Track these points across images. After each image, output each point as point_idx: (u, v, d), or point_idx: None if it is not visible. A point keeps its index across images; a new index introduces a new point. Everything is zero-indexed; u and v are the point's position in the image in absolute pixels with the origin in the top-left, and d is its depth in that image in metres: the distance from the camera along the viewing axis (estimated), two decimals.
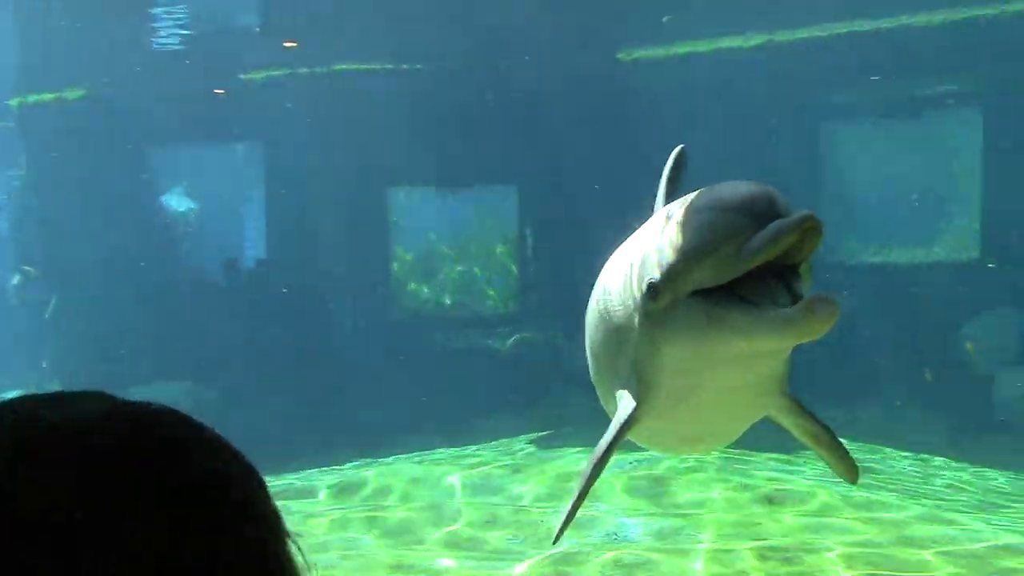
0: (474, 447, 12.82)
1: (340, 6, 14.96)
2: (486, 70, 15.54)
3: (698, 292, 2.63)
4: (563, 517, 3.29)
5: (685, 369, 2.85)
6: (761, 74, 14.79)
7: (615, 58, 16.01)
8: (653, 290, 2.73)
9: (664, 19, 13.79)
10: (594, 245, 4.30)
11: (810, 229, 2.42)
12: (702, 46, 15.26)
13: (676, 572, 6.44)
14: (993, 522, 8.47)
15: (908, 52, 13.96)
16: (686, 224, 2.65)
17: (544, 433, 13.14)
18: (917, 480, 10.95)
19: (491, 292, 18.05)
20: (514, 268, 17.76)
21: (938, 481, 11.15)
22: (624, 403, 3.08)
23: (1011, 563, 6.73)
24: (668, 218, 2.77)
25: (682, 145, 3.65)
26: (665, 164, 3.58)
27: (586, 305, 3.54)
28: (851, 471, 3.45)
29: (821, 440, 3.33)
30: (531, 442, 12.85)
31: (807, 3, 13.89)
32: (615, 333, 3.09)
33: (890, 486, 10.05)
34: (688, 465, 9.45)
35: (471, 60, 15.53)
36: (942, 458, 12.15)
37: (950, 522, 8.11)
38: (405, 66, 15.88)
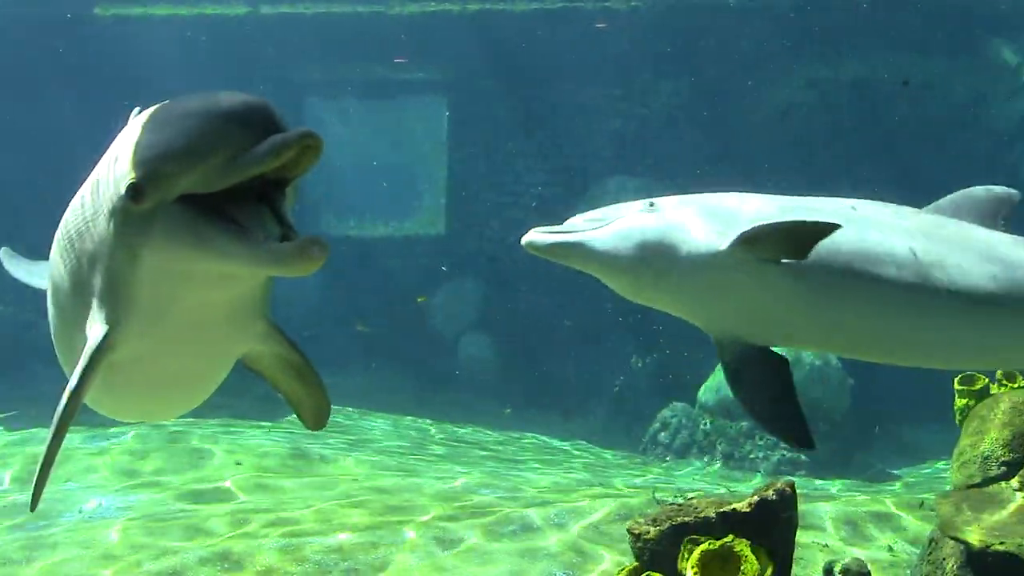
0: None
1: None
2: None
3: (184, 199, 2.51)
4: (36, 478, 3.01)
5: (164, 279, 2.69)
6: (244, 43, 14.85)
7: (92, 11, 15.14)
8: (135, 191, 2.54)
9: None
10: (47, 209, 4.06)
11: (310, 147, 2.43)
12: (184, 9, 14.98)
13: (152, 544, 6.42)
14: (466, 467, 9.48)
15: (384, 38, 14.83)
16: (179, 126, 2.51)
17: (10, 413, 12.16)
18: (387, 435, 11.83)
19: None
20: None
21: (410, 434, 12.14)
22: (95, 329, 2.86)
23: (472, 500, 7.59)
24: (153, 120, 2.62)
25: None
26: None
27: None
28: (322, 410, 3.48)
29: (301, 372, 3.32)
30: None
31: None
32: (86, 252, 2.85)
33: (364, 444, 10.79)
34: (166, 435, 9.42)
35: None
36: (410, 416, 13.23)
37: (417, 473, 8.95)
38: None
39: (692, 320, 4.48)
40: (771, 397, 4.36)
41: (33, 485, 3.06)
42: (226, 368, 3.33)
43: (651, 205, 4.43)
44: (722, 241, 4.18)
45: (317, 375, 3.39)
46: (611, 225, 4.39)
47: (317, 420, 3.54)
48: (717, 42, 14.21)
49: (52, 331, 3.38)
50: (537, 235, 4.38)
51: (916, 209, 4.56)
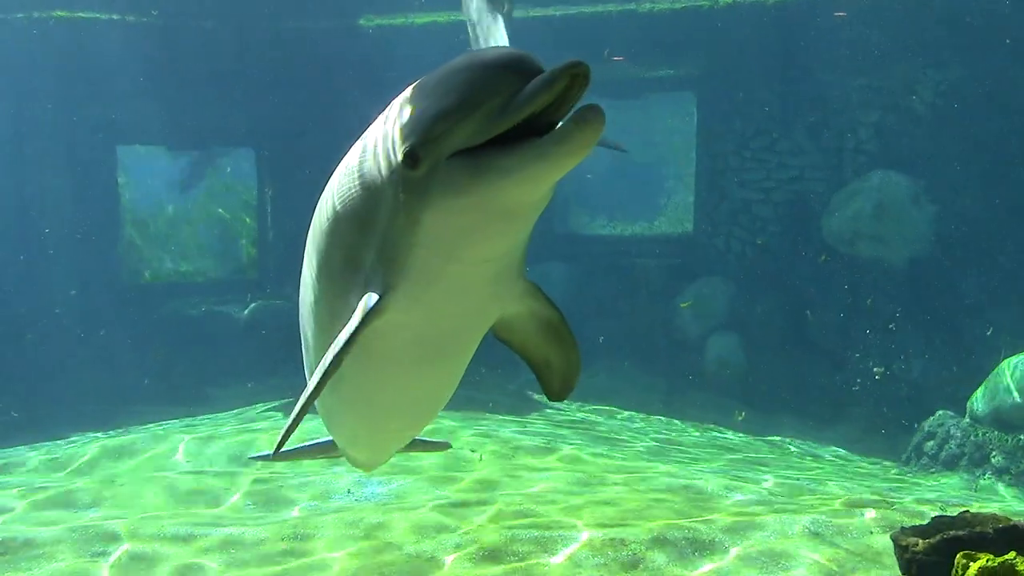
0: (209, 416, 12.57)
1: None
2: (225, 29, 15.12)
3: (459, 152, 2.54)
4: (286, 425, 3.04)
5: (442, 240, 2.72)
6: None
7: (357, 23, 16.02)
8: (412, 157, 2.60)
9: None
10: None
11: (580, 75, 2.39)
12: (442, 17, 15.58)
13: (411, 527, 6.70)
14: (725, 471, 9.34)
15: (633, 37, 14.80)
16: (445, 85, 2.55)
17: (284, 401, 13.06)
18: (636, 433, 11.81)
19: (229, 257, 17.63)
20: (253, 233, 17.43)
21: (660, 433, 12.08)
22: (367, 297, 2.88)
23: (721, 503, 7.46)
24: (418, 88, 2.65)
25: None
26: None
27: None
28: (571, 373, 3.41)
29: (556, 329, 3.30)
30: (270, 410, 12.76)
31: None
32: (356, 222, 2.88)
33: (622, 443, 10.83)
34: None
35: (209, 17, 15.06)
36: (659, 416, 13.16)
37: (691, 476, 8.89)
38: (134, 18, 15.14)
39: None
40: None
41: (281, 434, 3.09)
42: (478, 338, 3.27)
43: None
44: None
45: (571, 332, 3.36)
46: None
47: (564, 385, 3.46)
48: (988, 29, 13.24)
49: (306, 304, 3.34)
50: None
51: None
